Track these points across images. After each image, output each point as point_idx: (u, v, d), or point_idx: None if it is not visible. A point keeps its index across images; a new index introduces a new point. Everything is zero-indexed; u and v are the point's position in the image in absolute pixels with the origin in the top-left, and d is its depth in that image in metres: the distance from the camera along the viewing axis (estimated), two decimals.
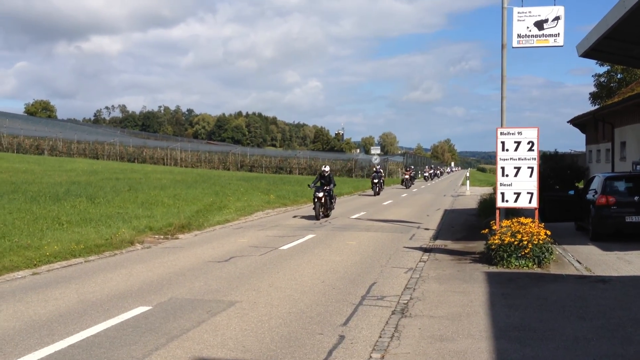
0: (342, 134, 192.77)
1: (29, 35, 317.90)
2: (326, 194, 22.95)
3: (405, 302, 9.12)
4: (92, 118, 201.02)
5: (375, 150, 67.11)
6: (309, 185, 23.75)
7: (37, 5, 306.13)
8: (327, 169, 23.58)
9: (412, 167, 64.08)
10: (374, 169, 43.00)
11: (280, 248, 14.80)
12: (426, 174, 78.93)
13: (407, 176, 53.11)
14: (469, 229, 19.01)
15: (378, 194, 39.13)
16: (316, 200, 22.55)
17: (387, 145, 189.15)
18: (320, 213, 22.55)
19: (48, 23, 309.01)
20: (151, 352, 6.59)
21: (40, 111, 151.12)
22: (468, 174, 57.93)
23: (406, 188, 50.98)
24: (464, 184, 57.80)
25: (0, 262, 11.22)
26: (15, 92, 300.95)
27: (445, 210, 27.73)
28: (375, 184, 39.38)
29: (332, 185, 22.97)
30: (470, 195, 40.69)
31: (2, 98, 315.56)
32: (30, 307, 8.58)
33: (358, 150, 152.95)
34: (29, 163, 45.36)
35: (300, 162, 74.18)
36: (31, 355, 6.45)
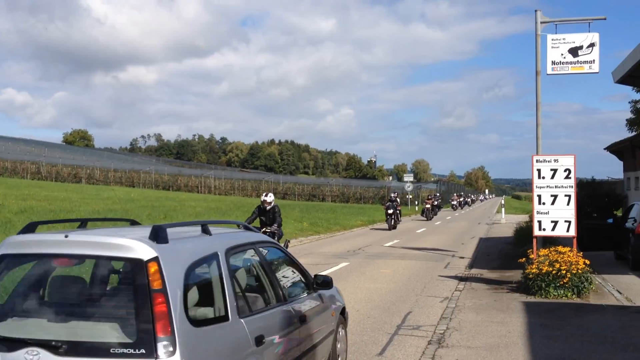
0: (375, 161, 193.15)
1: (68, 66, 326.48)
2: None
3: (442, 332, 9.02)
4: (129, 147, 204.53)
5: (408, 177, 66.95)
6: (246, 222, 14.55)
7: (75, 36, 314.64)
8: (270, 198, 13.93)
9: (438, 194, 58.88)
10: (388, 197, 36.39)
11: None
12: (454, 202, 69.62)
13: (428, 205, 44.85)
14: (505, 257, 18.76)
15: (394, 227, 32.32)
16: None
17: (420, 173, 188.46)
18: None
19: (86, 54, 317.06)
20: None
21: (78, 140, 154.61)
22: (503, 202, 57.23)
23: (427, 220, 43.36)
24: (499, 211, 57.09)
25: None
26: (54, 121, 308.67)
27: (480, 239, 27.43)
28: (390, 215, 32.35)
29: (275, 225, 13.63)
30: (505, 223, 40.19)
31: (41, 128, 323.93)
32: None
33: (391, 178, 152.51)
34: (67, 191, 46.25)
35: (332, 190, 74.32)
36: None
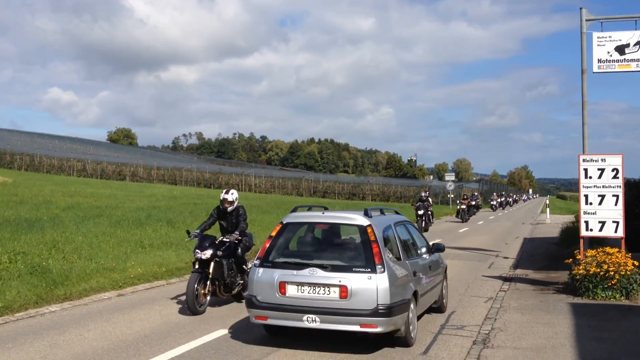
0: (415, 160, 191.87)
1: (112, 66, 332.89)
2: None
3: (487, 332, 8.92)
4: (171, 145, 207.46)
5: (450, 176, 66.26)
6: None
7: (120, 37, 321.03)
8: (232, 197, 11.25)
9: (476, 194, 54.26)
10: (420, 196, 31.28)
11: None
12: (493, 202, 62.99)
13: (463, 206, 39.74)
14: (551, 258, 18.44)
15: (425, 230, 28.21)
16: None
17: (461, 172, 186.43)
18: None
19: (129, 54, 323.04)
20: None
21: (122, 138, 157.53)
22: (548, 202, 56.18)
23: (462, 222, 38.95)
24: (543, 211, 56.03)
25: (88, 283, 11.69)
26: (98, 120, 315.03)
27: (525, 239, 27.00)
28: (421, 217, 28.34)
29: (237, 232, 10.84)
30: (550, 224, 39.47)
31: (86, 126, 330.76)
32: (117, 327, 8.88)
33: (431, 177, 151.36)
34: (111, 188, 47.16)
35: (372, 189, 74.08)
36: None
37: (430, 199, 31.16)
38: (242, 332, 8.67)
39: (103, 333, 8.51)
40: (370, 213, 8.27)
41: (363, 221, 8.00)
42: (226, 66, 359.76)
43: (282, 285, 7.66)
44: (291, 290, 7.63)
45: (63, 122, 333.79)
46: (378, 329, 7.45)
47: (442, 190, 69.55)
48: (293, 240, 8.49)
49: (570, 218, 39.43)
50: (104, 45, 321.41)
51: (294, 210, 8.93)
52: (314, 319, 7.46)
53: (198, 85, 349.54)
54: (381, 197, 69.95)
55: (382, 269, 7.47)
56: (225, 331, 8.69)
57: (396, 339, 7.88)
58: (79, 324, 9.00)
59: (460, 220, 39.60)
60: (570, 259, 12.64)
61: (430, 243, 10.33)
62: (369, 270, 7.47)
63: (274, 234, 8.28)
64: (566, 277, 12.81)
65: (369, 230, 7.83)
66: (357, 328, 7.43)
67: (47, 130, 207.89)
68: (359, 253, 7.80)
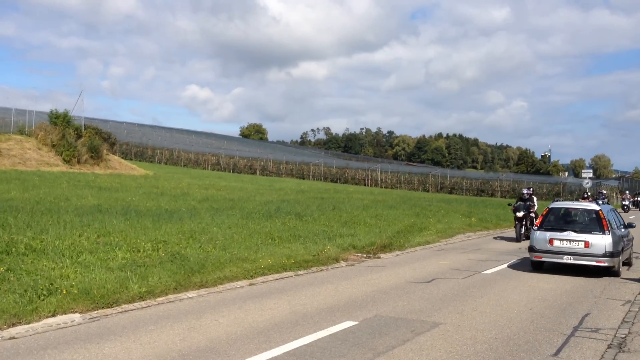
0: (549, 156, 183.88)
1: (245, 63, 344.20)
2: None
3: (623, 336, 8.49)
4: (299, 140, 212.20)
5: (587, 173, 62.80)
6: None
7: (253, 35, 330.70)
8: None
9: (603, 192, 47.97)
10: (520, 194, 25.18)
11: (484, 272, 14.50)
12: (625, 202, 53.65)
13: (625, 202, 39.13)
14: None
15: (525, 237, 22.15)
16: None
17: (599, 169, 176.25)
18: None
19: (262, 51, 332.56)
20: None
21: (253, 134, 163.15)
22: None
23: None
24: None
25: (222, 272, 12.30)
26: (232, 116, 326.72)
27: None
28: (520, 220, 22.98)
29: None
30: None
31: (221, 122, 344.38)
32: (249, 314, 9.31)
33: (567, 174, 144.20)
34: (243, 182, 49.08)
35: (502, 185, 71.87)
36: (251, 359, 7.00)
37: (535, 198, 24.86)
38: (367, 324, 8.81)
39: (236, 319, 8.96)
40: (598, 202, 16.59)
41: (596, 207, 15.13)
42: (355, 61, 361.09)
43: (551, 241, 14.52)
44: (556, 243, 14.46)
45: (199, 118, 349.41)
46: (605, 264, 13.96)
47: (577, 187, 66.20)
48: (555, 217, 15.39)
49: None
50: (238, 43, 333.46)
51: (554, 201, 17.84)
52: (569, 258, 14.24)
53: (327, 81, 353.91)
54: (512, 194, 67.68)
55: (609, 233, 14.17)
56: (352, 323, 8.87)
57: (612, 272, 14.29)
58: (214, 310, 9.52)
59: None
60: None
61: (627, 221, 17.16)
62: (602, 233, 14.18)
63: (544, 213, 15.44)
64: None
65: (600, 212, 14.69)
66: (593, 263, 14.01)
67: (185, 126, 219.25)
68: (595, 224, 14.49)
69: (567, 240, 14.25)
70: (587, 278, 14.01)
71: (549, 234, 14.47)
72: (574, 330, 8.88)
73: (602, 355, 7.52)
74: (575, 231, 14.39)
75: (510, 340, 8.17)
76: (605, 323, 9.41)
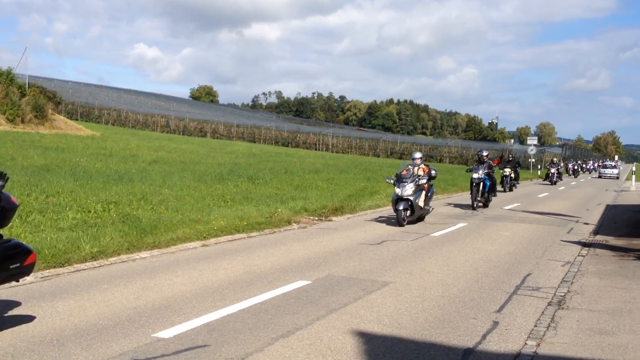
0: (496, 123, 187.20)
1: (195, 23, 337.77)
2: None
3: (562, 294, 8.93)
4: (251, 103, 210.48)
5: (532, 140, 64.43)
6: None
7: None
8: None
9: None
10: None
11: (432, 234, 14.90)
12: (552, 170, 44.32)
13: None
14: (634, 225, 17.98)
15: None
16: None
17: (544, 136, 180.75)
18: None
19: (212, 10, 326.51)
20: (313, 322, 7.04)
21: (204, 96, 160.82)
22: (634, 169, 53.98)
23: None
24: (629, 178, 53.96)
25: (175, 233, 12.33)
26: (181, 77, 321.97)
27: (607, 206, 26.27)
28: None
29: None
30: (635, 191, 38.10)
31: (170, 83, 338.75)
32: (203, 274, 9.41)
33: (512, 141, 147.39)
34: (193, 144, 48.61)
35: (451, 151, 73.19)
36: (207, 316, 7.13)
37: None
38: (320, 283, 9.03)
39: (190, 279, 9.05)
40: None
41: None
42: (309, 24, 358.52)
43: None
44: None
45: (147, 78, 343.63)
46: None
47: (523, 154, 67.90)
48: None
49: None
50: (188, 1, 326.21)
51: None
52: None
53: (279, 43, 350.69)
54: (459, 160, 69.01)
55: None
56: (305, 282, 9.07)
57: None
58: (168, 270, 9.58)
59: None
60: None
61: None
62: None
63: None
64: None
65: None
66: None
67: (132, 87, 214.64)
68: None
69: None
70: (529, 240, 14.55)
71: None
72: (517, 288, 9.29)
73: (543, 312, 7.91)
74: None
75: (457, 298, 8.51)
76: (545, 282, 9.86)
